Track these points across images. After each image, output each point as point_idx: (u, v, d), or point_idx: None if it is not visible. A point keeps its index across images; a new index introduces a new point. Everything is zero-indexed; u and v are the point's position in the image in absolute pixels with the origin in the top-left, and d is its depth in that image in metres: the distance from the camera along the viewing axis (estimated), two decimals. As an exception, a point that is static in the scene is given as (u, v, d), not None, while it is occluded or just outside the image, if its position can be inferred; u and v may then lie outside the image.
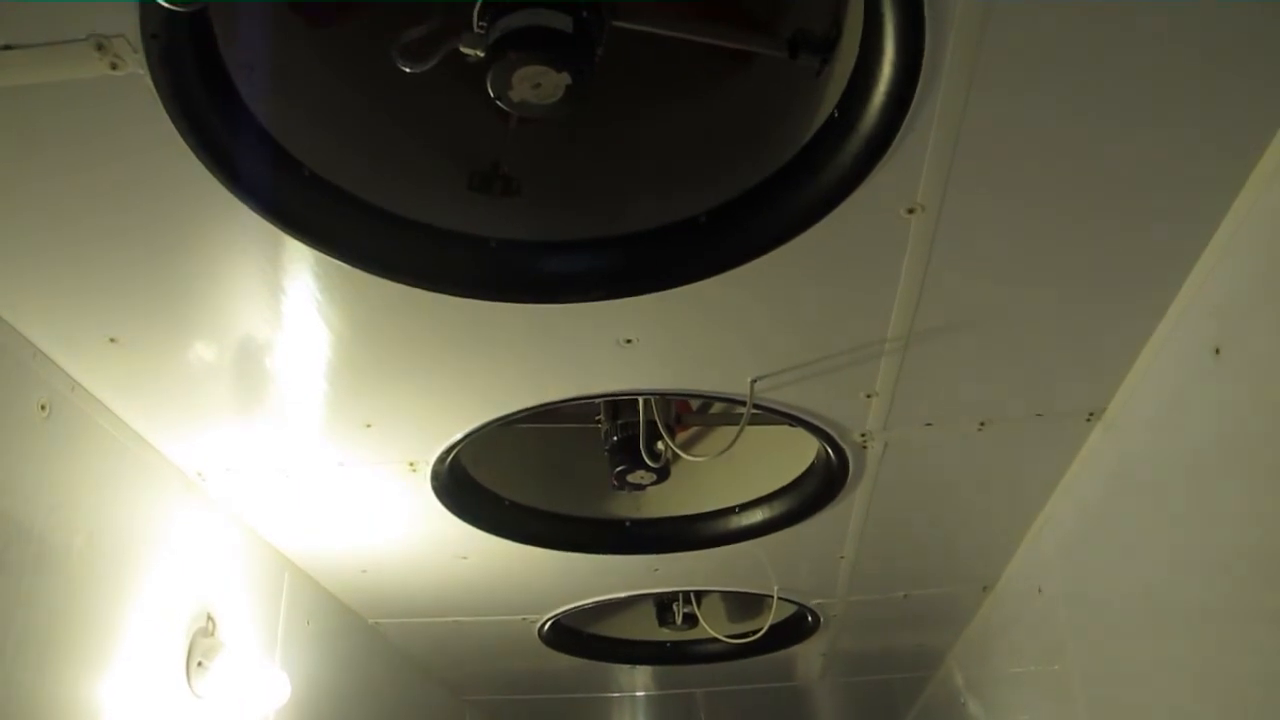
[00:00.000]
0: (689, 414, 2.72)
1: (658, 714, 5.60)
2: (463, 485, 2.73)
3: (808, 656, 4.36)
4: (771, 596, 3.47)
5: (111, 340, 2.01)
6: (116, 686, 2.28)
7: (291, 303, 1.93)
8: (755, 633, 3.78)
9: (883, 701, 5.53)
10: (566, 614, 3.68)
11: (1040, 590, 3.08)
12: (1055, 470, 2.70)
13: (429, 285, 1.82)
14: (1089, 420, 2.43)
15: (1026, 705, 3.42)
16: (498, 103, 1.50)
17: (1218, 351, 1.86)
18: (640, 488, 2.75)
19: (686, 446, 2.84)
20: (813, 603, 3.62)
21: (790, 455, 2.81)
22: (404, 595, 3.44)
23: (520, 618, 3.66)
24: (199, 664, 2.61)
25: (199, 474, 2.59)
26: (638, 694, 5.07)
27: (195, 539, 2.68)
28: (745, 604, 3.92)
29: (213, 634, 2.69)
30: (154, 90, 1.42)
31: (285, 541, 3.02)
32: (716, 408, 2.76)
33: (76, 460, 2.20)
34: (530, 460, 2.96)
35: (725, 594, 3.91)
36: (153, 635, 2.44)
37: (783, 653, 4.15)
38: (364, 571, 3.23)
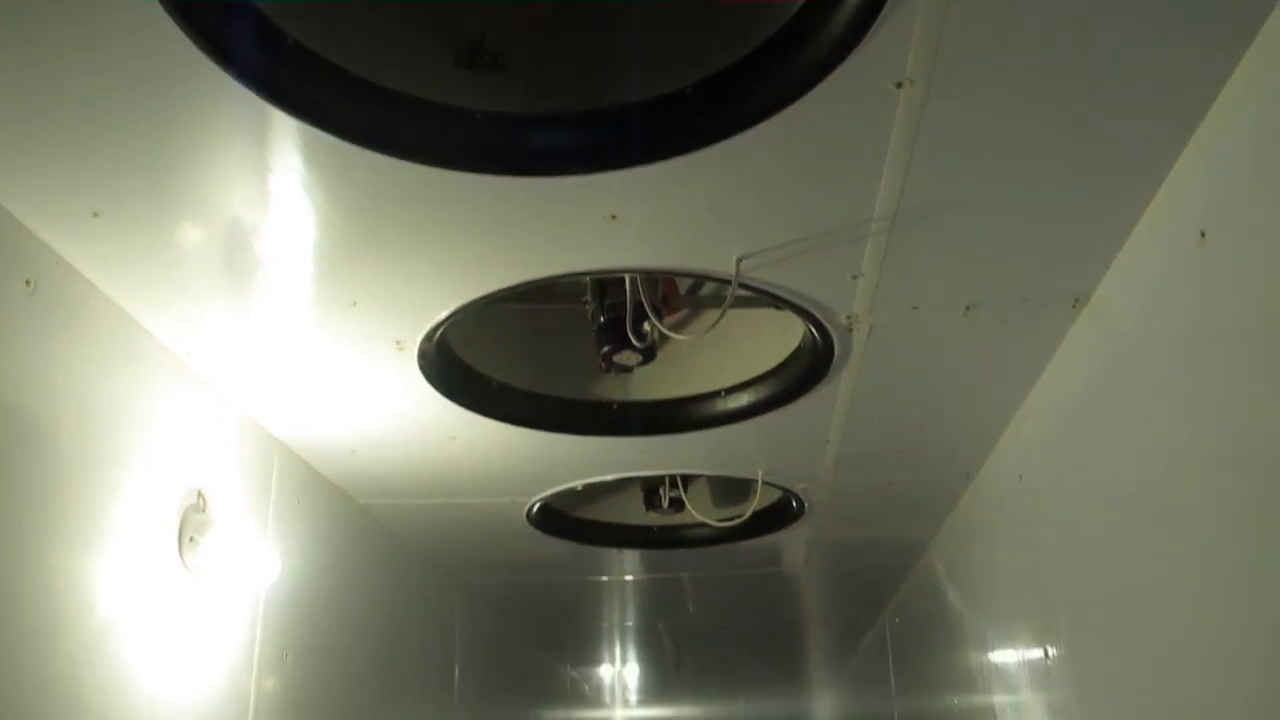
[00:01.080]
0: (676, 296, 2.72)
1: (645, 598, 5.71)
2: (450, 365, 2.74)
3: (792, 543, 4.42)
4: (757, 481, 3.52)
5: (95, 214, 1.99)
6: (109, 562, 2.32)
7: (277, 178, 1.92)
8: (740, 517, 3.84)
9: (866, 589, 5.63)
10: (554, 497, 3.73)
11: (1021, 479, 3.11)
12: (1040, 358, 2.71)
13: (414, 158, 1.80)
14: (1074, 307, 2.44)
15: (1004, 594, 3.47)
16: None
17: (1203, 235, 1.86)
18: (627, 369, 2.76)
19: (673, 330, 2.85)
20: (798, 488, 3.67)
21: (777, 340, 2.82)
22: (394, 476, 3.48)
23: (509, 500, 3.71)
24: (190, 539, 2.65)
25: (188, 353, 2.59)
26: (626, 578, 5.16)
27: (185, 419, 2.69)
28: (731, 490, 3.96)
29: (204, 510, 2.72)
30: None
31: (275, 423, 3.04)
32: (705, 290, 2.76)
33: (64, 338, 2.20)
34: (518, 342, 2.96)
35: (711, 479, 3.96)
36: (144, 512, 2.47)
37: (768, 538, 4.21)
38: (354, 453, 3.26)
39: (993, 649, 3.62)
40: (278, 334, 2.51)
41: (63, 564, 2.17)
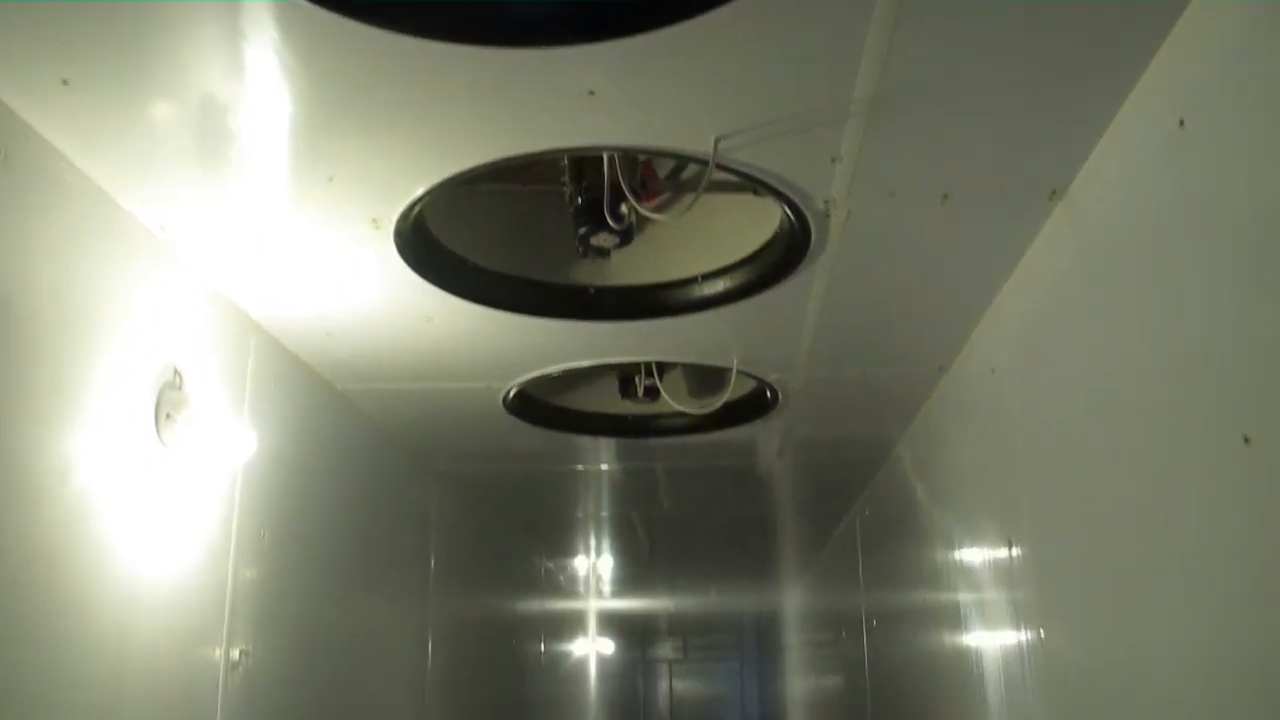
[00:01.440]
0: (655, 180, 2.71)
1: (620, 488, 5.78)
2: (427, 246, 2.73)
3: (766, 435, 4.47)
4: (732, 370, 3.54)
5: (64, 82, 1.96)
6: (85, 437, 2.33)
7: (252, 48, 1.89)
8: (715, 405, 3.87)
9: (837, 483, 5.71)
10: (531, 384, 3.75)
11: (993, 371, 3.14)
12: (1015, 250, 2.72)
13: (388, 25, 1.78)
14: (1051, 199, 2.44)
15: (971, 491, 3.53)
16: None
17: (1182, 123, 1.86)
18: (604, 252, 2.77)
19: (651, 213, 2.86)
20: (772, 378, 3.70)
21: (754, 228, 2.82)
22: (370, 360, 3.49)
23: (485, 385, 3.73)
24: (167, 416, 2.67)
25: (162, 229, 2.57)
26: (601, 467, 5.21)
27: (161, 297, 2.69)
28: (706, 381, 3.99)
29: (180, 388, 2.73)
30: None
31: (251, 304, 3.04)
32: (684, 174, 2.75)
33: (37, 213, 2.18)
34: (496, 226, 2.96)
35: (687, 371, 3.99)
36: (120, 388, 2.48)
37: (742, 429, 4.26)
38: (330, 335, 3.26)
39: (959, 546, 3.68)
40: (254, 210, 2.50)
41: (38, 438, 2.18)
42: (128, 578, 2.50)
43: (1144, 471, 2.11)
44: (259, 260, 2.77)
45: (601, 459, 5.03)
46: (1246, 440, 1.68)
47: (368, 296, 2.98)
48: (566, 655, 9.86)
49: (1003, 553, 3.08)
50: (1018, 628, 2.95)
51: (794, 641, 11.47)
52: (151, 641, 2.59)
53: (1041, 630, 2.75)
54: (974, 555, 3.48)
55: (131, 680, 2.50)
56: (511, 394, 3.80)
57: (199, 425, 2.81)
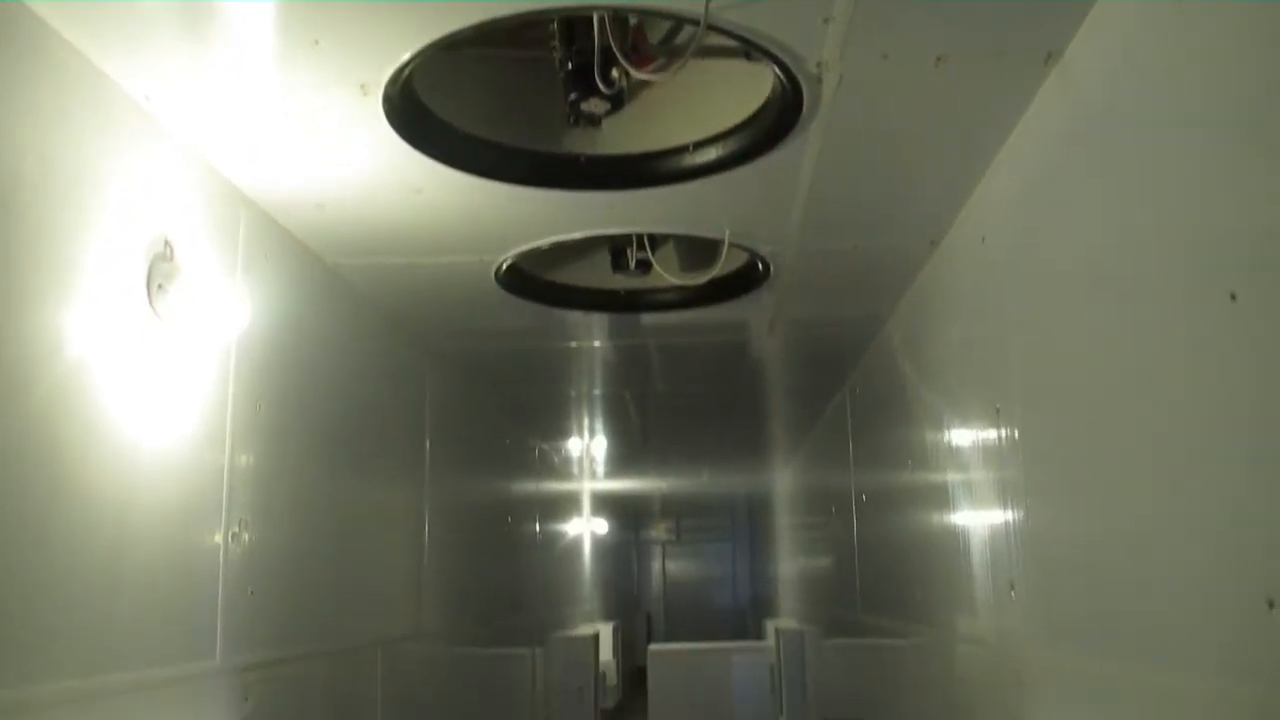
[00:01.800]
0: (645, 44, 2.67)
1: (612, 366, 5.81)
2: (416, 113, 2.70)
3: (757, 309, 4.48)
4: (724, 242, 3.54)
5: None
6: (77, 308, 2.34)
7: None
8: (707, 278, 3.88)
9: (828, 360, 5.74)
10: (522, 257, 3.75)
11: (984, 240, 3.14)
12: (1009, 116, 2.70)
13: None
14: (1046, 63, 2.42)
15: (960, 371, 3.56)
16: None
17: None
18: (595, 119, 2.75)
19: (643, 84, 2.83)
20: (764, 250, 3.70)
21: (746, 95, 2.79)
22: (361, 233, 3.48)
23: (477, 259, 3.72)
24: (159, 286, 2.67)
25: (147, 98, 2.55)
26: (594, 344, 5.23)
27: (149, 169, 2.67)
28: (698, 255, 3.99)
29: (171, 259, 2.73)
30: None
31: (241, 175, 3.02)
32: (677, 39, 2.71)
33: (19, 82, 2.15)
34: (486, 93, 2.92)
35: (679, 245, 3.99)
36: (110, 259, 2.48)
37: (733, 304, 4.27)
38: (320, 207, 3.24)
39: (947, 425, 3.72)
40: (239, 78, 2.47)
41: (28, 309, 2.19)
42: (125, 454, 2.53)
43: (1133, 340, 2.13)
44: (246, 130, 2.74)
45: (594, 336, 5.04)
46: (1233, 297, 1.70)
47: (357, 167, 2.96)
48: (561, 536, 10.01)
49: (991, 431, 3.12)
50: (1004, 506, 3.00)
51: (785, 523, 11.67)
52: (150, 521, 2.64)
53: (1028, 507, 2.80)
54: (962, 433, 3.52)
55: (131, 560, 2.54)
56: (503, 268, 3.80)
57: (191, 296, 2.81)
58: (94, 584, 2.38)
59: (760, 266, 3.88)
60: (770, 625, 12.14)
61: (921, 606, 4.19)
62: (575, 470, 10.50)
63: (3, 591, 2.08)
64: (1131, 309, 2.12)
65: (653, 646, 12.14)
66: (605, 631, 12.38)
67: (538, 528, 8.61)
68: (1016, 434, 2.87)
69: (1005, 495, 3.00)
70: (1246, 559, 1.69)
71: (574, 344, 5.23)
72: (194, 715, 2.80)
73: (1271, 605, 1.59)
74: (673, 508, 18.42)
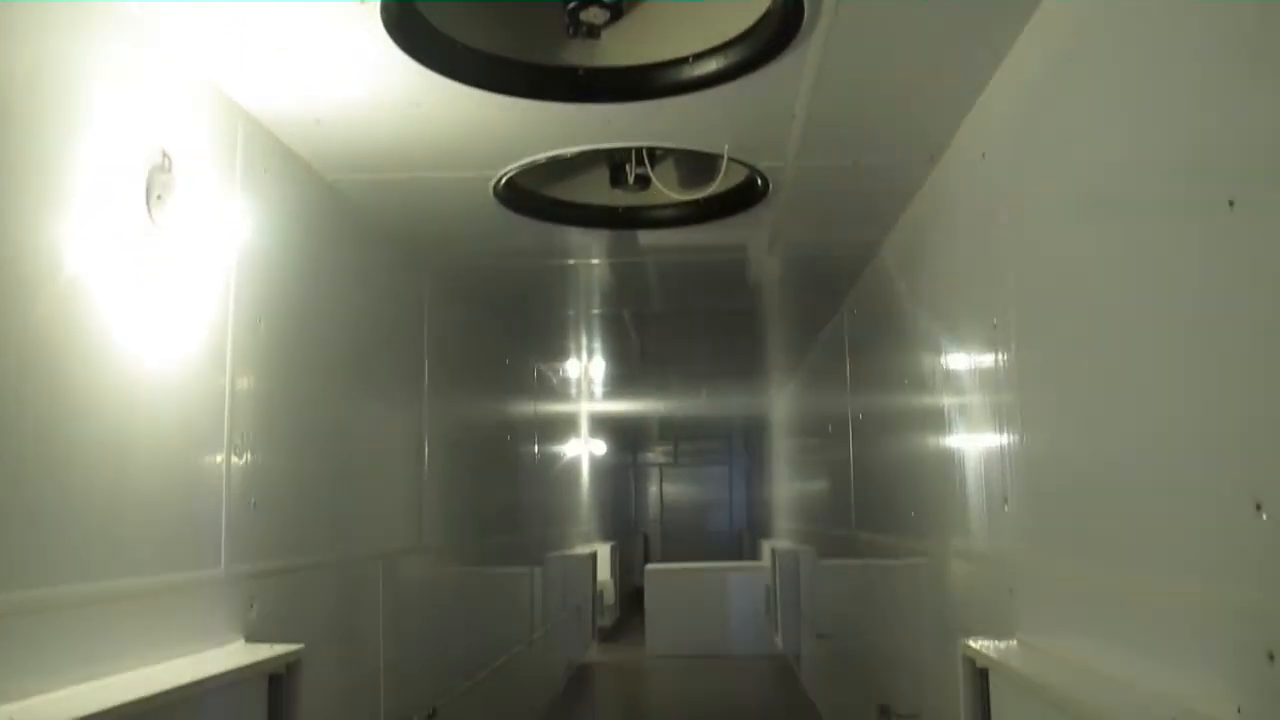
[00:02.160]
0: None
1: (611, 284, 5.81)
2: (414, 23, 2.68)
3: (756, 226, 4.47)
4: (723, 157, 3.53)
5: None
6: (74, 220, 2.34)
7: None
8: (707, 193, 3.87)
9: (825, 282, 5.75)
10: (521, 173, 3.74)
11: (984, 156, 3.13)
12: (1010, 30, 2.68)
13: None
14: (1051, -27, 2.40)
15: (957, 286, 3.56)
16: None
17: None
18: (594, 30, 2.72)
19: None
20: (763, 165, 3.68)
21: (746, 8, 2.77)
22: (359, 148, 3.47)
23: (475, 174, 3.71)
24: (158, 197, 2.67)
25: (141, 6, 2.52)
26: (592, 261, 5.22)
27: (145, 79, 2.66)
28: (696, 172, 3.98)
29: (169, 171, 2.73)
30: None
31: (238, 89, 3.00)
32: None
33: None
34: (485, 4, 2.89)
35: (678, 162, 3.97)
36: (107, 170, 2.48)
37: (733, 222, 4.26)
38: (318, 122, 3.23)
39: (943, 347, 3.73)
40: (234, -20, 2.45)
41: (22, 223, 2.19)
42: (129, 365, 2.55)
43: (1132, 251, 2.13)
44: (242, 40, 2.72)
45: (592, 253, 5.03)
46: (1231, 204, 1.71)
47: (355, 80, 2.94)
48: (559, 457, 10.09)
49: (987, 347, 3.14)
50: (999, 429, 3.03)
51: (782, 446, 11.75)
52: (153, 431, 2.67)
53: (1023, 429, 2.83)
54: (958, 360, 3.54)
55: (134, 471, 2.57)
56: (501, 183, 3.79)
57: (190, 207, 2.82)
58: (98, 493, 2.42)
59: (759, 183, 3.87)
60: (766, 546, 12.31)
61: (915, 523, 4.25)
62: (573, 391, 10.54)
63: (6, 517, 2.11)
64: (1131, 221, 2.12)
65: (650, 566, 12.32)
66: (603, 552, 12.54)
67: (536, 448, 8.67)
68: (1013, 345, 2.89)
69: (1000, 417, 3.03)
70: (1234, 464, 1.72)
71: (572, 261, 5.22)
72: (201, 621, 2.85)
73: (1259, 508, 1.63)
74: (670, 431, 18.54)
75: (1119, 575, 2.19)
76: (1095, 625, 2.33)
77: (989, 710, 2.69)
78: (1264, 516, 1.61)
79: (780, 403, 11.37)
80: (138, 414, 2.59)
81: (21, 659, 2.12)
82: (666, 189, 3.79)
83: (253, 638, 3.06)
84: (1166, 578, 1.98)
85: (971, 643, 2.77)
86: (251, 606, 3.10)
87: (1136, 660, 2.09)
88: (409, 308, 4.98)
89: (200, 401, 2.90)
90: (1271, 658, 1.61)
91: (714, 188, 3.80)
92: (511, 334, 7.24)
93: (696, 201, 4.07)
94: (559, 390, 9.97)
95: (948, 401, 3.67)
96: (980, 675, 2.73)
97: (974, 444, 3.35)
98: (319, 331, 3.76)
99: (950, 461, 3.62)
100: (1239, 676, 1.71)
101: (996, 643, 2.74)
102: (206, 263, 2.94)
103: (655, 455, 19.83)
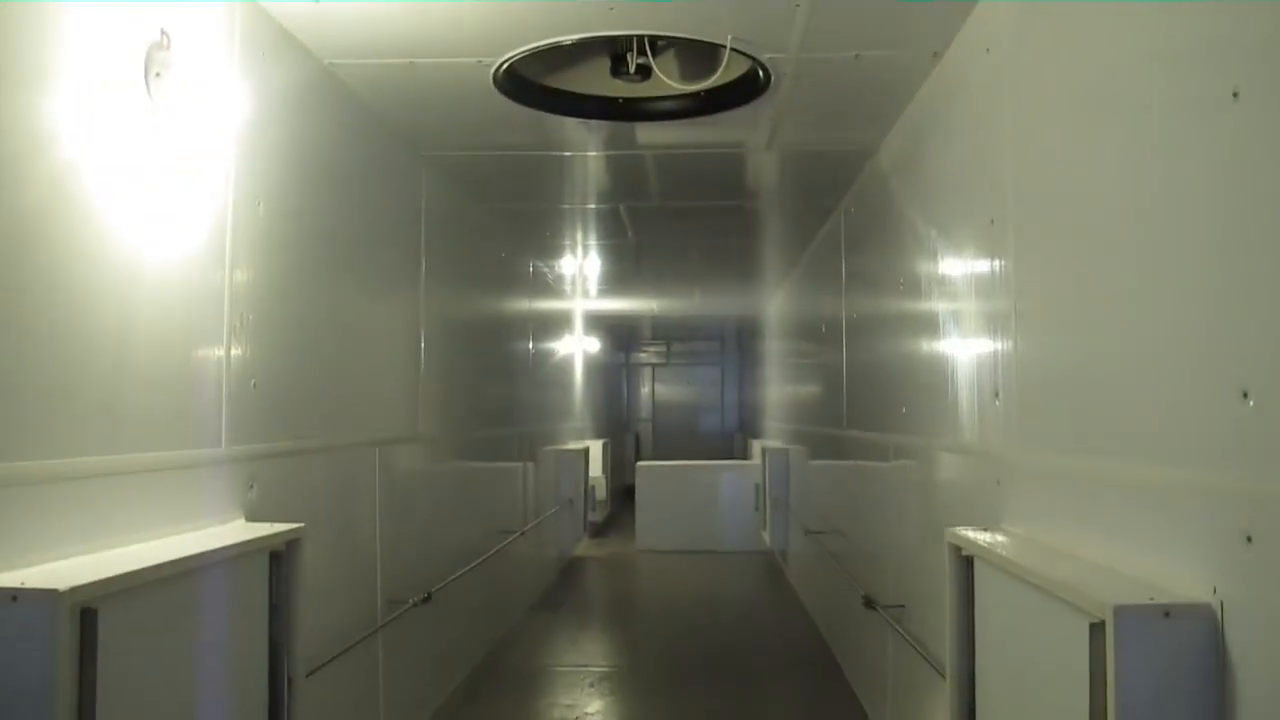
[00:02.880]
0: None
1: (608, 178, 5.78)
2: (415, -100, 2.64)
3: (756, 121, 4.44)
4: (725, 48, 3.49)
5: None
6: (66, 97, 2.32)
7: None
8: (708, 84, 3.84)
9: (823, 181, 5.72)
10: (521, 61, 3.70)
11: (988, 51, 3.10)
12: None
13: None
14: None
15: (956, 179, 3.56)
16: None
17: None
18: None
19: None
20: (764, 57, 3.64)
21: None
22: (358, 32, 3.43)
23: (475, 60, 3.67)
24: (156, 75, 2.65)
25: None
26: (590, 153, 5.18)
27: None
28: (698, 64, 3.93)
29: (168, 49, 2.70)
30: None
31: (233, -36, 2.96)
32: None
33: None
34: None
35: (680, 54, 3.92)
36: (103, 46, 2.45)
37: (733, 115, 4.23)
38: (317, 1, 3.18)
39: (942, 241, 3.73)
40: None
41: (20, 111, 2.18)
42: (128, 248, 2.55)
43: (1131, 152, 2.14)
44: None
45: (590, 146, 4.99)
46: (1235, 95, 1.71)
47: (353, -42, 2.90)
48: (553, 353, 10.13)
49: (984, 263, 3.14)
50: (992, 325, 3.05)
51: (775, 348, 11.80)
52: (153, 311, 2.68)
53: (1016, 323, 2.85)
54: (955, 252, 3.54)
55: (135, 350, 2.60)
56: (501, 71, 3.75)
57: (189, 87, 2.80)
58: (100, 371, 2.44)
59: (760, 76, 3.84)
60: (756, 445, 12.43)
61: (906, 419, 4.30)
62: (569, 289, 10.55)
63: (5, 407, 2.14)
64: (1133, 115, 2.12)
65: (640, 463, 12.45)
66: (595, 448, 12.66)
67: (531, 345, 8.71)
68: (1010, 241, 2.90)
69: (993, 306, 3.05)
70: (1224, 355, 1.75)
71: (570, 154, 5.18)
72: (203, 500, 2.90)
73: (1245, 395, 1.66)
74: (664, 331, 18.59)
75: (1105, 465, 2.24)
76: (1079, 514, 2.39)
77: (973, 597, 2.76)
78: (1250, 403, 1.65)
79: (775, 304, 11.38)
80: (139, 291, 2.60)
81: (25, 530, 2.17)
82: (667, 79, 3.75)
83: (253, 518, 3.12)
84: (1150, 466, 2.02)
85: (958, 531, 2.83)
86: (252, 487, 3.15)
87: (1118, 546, 2.15)
88: (407, 198, 4.96)
89: (202, 280, 2.91)
90: (1249, 540, 1.66)
91: (715, 79, 3.76)
92: (508, 228, 7.22)
93: (697, 94, 4.04)
94: (554, 287, 9.97)
95: (941, 304, 3.69)
96: (965, 563, 2.79)
97: (967, 340, 3.38)
98: (318, 218, 3.76)
99: (942, 357, 3.65)
100: (1216, 559, 1.76)
101: (982, 532, 2.80)
102: (206, 142, 2.93)
103: (648, 355, 19.90)
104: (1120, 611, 1.79)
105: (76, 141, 2.34)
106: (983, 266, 3.16)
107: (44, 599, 1.94)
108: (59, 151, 2.29)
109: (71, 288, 2.33)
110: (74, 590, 1.97)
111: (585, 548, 11.52)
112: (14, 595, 1.95)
